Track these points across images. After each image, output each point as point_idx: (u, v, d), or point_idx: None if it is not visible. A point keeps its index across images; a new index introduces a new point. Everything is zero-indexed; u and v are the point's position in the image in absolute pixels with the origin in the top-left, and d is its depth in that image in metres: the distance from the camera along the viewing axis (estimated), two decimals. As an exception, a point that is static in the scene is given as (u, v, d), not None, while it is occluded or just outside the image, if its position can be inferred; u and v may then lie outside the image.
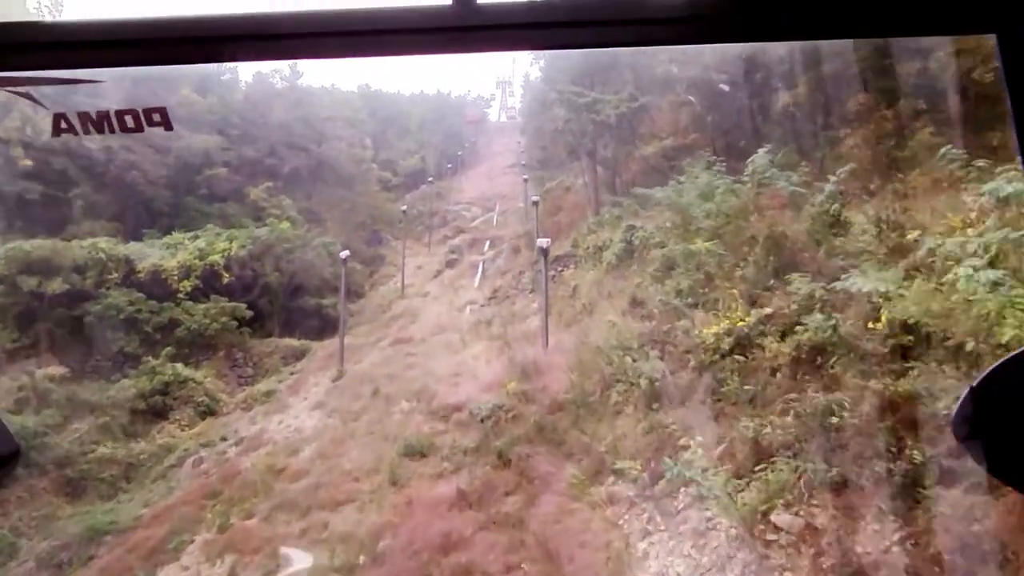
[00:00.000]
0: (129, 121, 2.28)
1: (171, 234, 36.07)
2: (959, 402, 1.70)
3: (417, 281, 42.29)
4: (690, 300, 18.87)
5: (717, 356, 16.38)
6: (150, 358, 29.80)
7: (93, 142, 38.22)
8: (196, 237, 35.95)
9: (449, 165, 62.00)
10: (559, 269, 30.97)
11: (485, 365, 25.00)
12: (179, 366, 30.02)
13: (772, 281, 17.43)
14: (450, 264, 42.84)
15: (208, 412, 29.28)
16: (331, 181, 46.78)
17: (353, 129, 51.66)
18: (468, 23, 2.26)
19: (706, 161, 26.84)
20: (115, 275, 32.05)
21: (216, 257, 33.59)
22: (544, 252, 22.55)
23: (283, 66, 48.11)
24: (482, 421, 19.63)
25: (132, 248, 33.57)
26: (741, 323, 16.47)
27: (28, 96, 2.18)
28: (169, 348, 30.31)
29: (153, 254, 33.72)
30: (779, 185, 19.39)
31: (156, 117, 2.37)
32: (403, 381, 25.68)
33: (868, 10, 2.25)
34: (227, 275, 33.50)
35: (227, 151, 43.38)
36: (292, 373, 31.20)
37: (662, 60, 31.00)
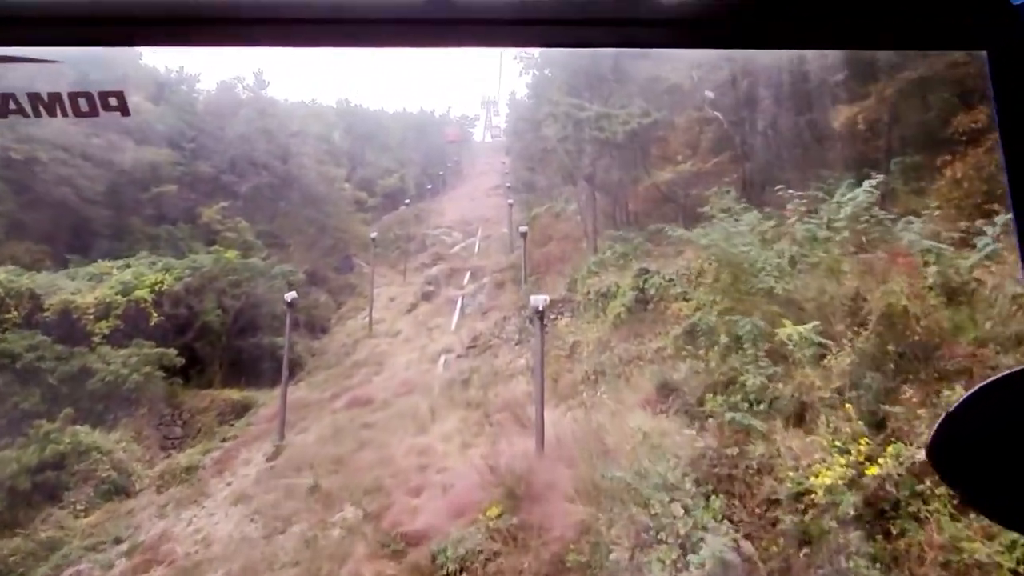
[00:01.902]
0: (83, 104, 2.00)
1: (97, 262, 28.41)
2: (935, 428, 1.47)
3: (389, 316, 34.89)
4: (761, 406, 11.65)
5: (834, 523, 9.15)
6: (44, 422, 22.17)
7: (18, 152, 30.84)
8: (127, 266, 28.38)
9: (429, 186, 54.64)
10: (552, 317, 23.68)
11: (459, 457, 17.69)
12: (82, 431, 22.37)
13: (907, 389, 10.29)
14: (426, 297, 35.50)
15: (114, 491, 21.67)
16: (296, 201, 39.28)
17: (325, 145, 44.27)
18: (442, 16, 1.97)
19: (731, 194, 20.04)
20: (14, 313, 24.42)
21: (143, 292, 26.00)
22: (540, 315, 15.26)
23: (247, 73, 40.71)
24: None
25: (40, 280, 25.91)
26: (872, 468, 9.26)
27: None
28: (68, 410, 22.63)
29: (67, 287, 26.07)
30: (899, 234, 12.25)
31: (113, 101, 2.09)
32: (351, 471, 18.27)
33: (860, 22, 2.07)
34: (156, 314, 25.88)
35: (179, 166, 35.82)
36: (224, 440, 23.65)
37: (678, 67, 23.94)
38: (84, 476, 21.69)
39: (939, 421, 1.53)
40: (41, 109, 2.01)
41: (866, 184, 12.94)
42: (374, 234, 36.78)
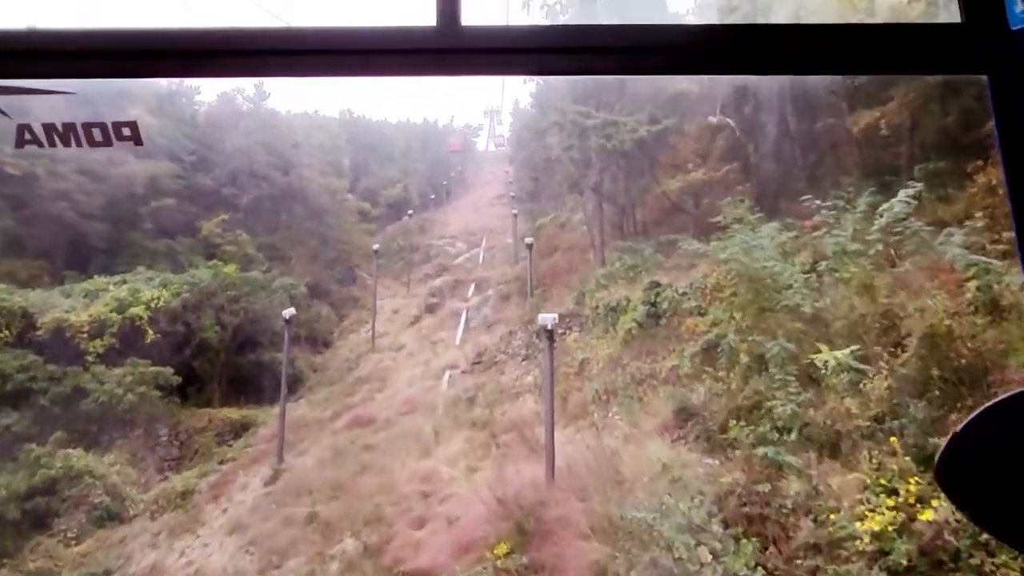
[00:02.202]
0: (97, 135, 2.02)
1: (93, 278, 27.46)
2: (942, 447, 1.44)
3: (392, 329, 33.85)
4: (791, 435, 10.57)
5: (884, 575, 8.06)
6: (34, 446, 21.19)
7: (17, 168, 29.97)
8: (124, 282, 27.42)
9: (433, 196, 53.64)
10: (559, 332, 22.64)
11: (464, 483, 16.62)
12: (75, 454, 21.38)
13: (956, 419, 9.20)
14: (430, 309, 34.48)
15: (107, 517, 20.67)
16: (298, 213, 38.31)
17: (327, 156, 43.31)
18: (451, 46, 2.03)
19: (745, 204, 19.10)
20: (6, 332, 23.52)
21: (138, 309, 25.01)
22: (549, 334, 14.19)
23: (247, 84, 39.84)
24: (454, 623, 11.21)
25: (34, 298, 24.98)
26: (926, 512, 8.18)
27: None
28: (59, 433, 21.64)
29: (61, 305, 25.11)
30: (939, 247, 11.18)
31: (126, 132, 2.11)
32: (351, 498, 17.22)
33: (860, 47, 2.08)
34: (152, 331, 24.89)
35: (178, 179, 34.87)
36: (221, 463, 22.62)
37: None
38: (76, 502, 20.70)
39: (946, 440, 1.43)
40: (56, 139, 1.99)
41: (902, 193, 11.86)
42: (376, 246, 35.69)
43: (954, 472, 1.53)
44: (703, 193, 22.41)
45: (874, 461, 9.17)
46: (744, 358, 13.19)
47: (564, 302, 24.46)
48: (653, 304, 19.26)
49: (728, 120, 21.38)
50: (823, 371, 10.55)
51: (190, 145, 36.58)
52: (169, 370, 24.31)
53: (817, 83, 21.12)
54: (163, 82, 40.33)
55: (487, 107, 67.91)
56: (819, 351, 10.64)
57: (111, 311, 24.79)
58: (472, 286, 35.10)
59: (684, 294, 18.85)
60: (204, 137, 37.75)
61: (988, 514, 1.66)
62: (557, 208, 38.03)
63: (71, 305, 25.13)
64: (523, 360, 23.23)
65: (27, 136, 2.00)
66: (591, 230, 28.55)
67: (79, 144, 2.07)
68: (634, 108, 23.76)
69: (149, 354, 24.61)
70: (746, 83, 21.81)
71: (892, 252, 11.73)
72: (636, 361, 18.05)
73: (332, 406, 25.19)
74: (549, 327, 13.94)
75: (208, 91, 46.25)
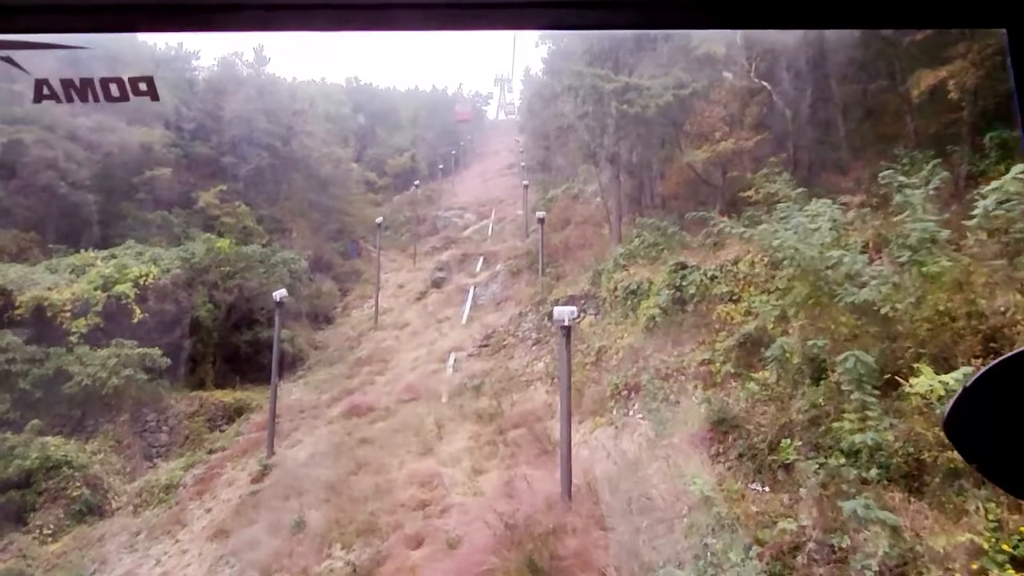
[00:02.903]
0: (114, 89, 1.82)
1: (80, 252, 25.28)
2: (952, 401, 1.38)
3: (397, 305, 31.65)
4: (872, 472, 8.27)
5: None
6: (8, 434, 19.23)
7: (2, 134, 27.70)
8: (112, 257, 25.23)
9: (441, 166, 50.98)
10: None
11: (467, 488, 14.51)
12: (53, 443, 19.41)
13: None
14: (436, 284, 32.21)
15: (87, 511, 18.77)
16: (300, 184, 35.95)
17: (330, 124, 40.76)
18: (464, 0, 1.85)
19: (784, 176, 16.66)
20: (-17, 312, 21.48)
21: (125, 287, 22.84)
22: (567, 331, 11.84)
23: (247, 49, 37.22)
24: None
25: (13, 273, 22.85)
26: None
27: (9, 60, 1.62)
28: (35, 421, 19.65)
29: (44, 281, 22.96)
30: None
31: (143, 86, 1.89)
32: (343, 502, 15.13)
33: (878, 0, 1.90)
34: (139, 310, 22.75)
35: (174, 148, 32.50)
36: (211, 452, 20.58)
37: (718, 31, 20.31)
38: (53, 495, 18.78)
39: (956, 395, 1.33)
40: (73, 94, 1.77)
41: (1016, 170, 9.38)
42: (380, 219, 33.26)
43: (962, 426, 1.38)
44: (731, 164, 19.89)
45: (990, 517, 6.90)
46: (795, 360, 10.85)
47: (578, 282, 22.11)
48: (678, 288, 16.90)
49: (764, 83, 18.76)
50: (911, 393, 8.23)
51: (188, 112, 34.13)
52: (157, 351, 22.20)
53: (860, 41, 18.50)
54: (160, 46, 37.76)
55: (497, 75, 64.91)
56: (910, 367, 8.31)
57: (95, 289, 22.65)
58: (480, 260, 32.74)
59: (714, 278, 16.47)
60: (203, 104, 35.28)
61: (996, 466, 1.57)
62: (570, 179, 35.49)
63: (54, 282, 22.98)
64: (533, 345, 20.99)
65: (45, 91, 1.76)
66: (606, 203, 26.08)
67: (96, 99, 1.84)
68: (657, 71, 21.14)
69: (136, 334, 22.51)
70: (782, 43, 19.19)
71: (999, 241, 9.29)
72: (660, 353, 15.75)
73: (330, 390, 23.09)
74: (566, 323, 11.61)
75: (207, 56, 43.70)
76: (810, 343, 10.12)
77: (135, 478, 20.52)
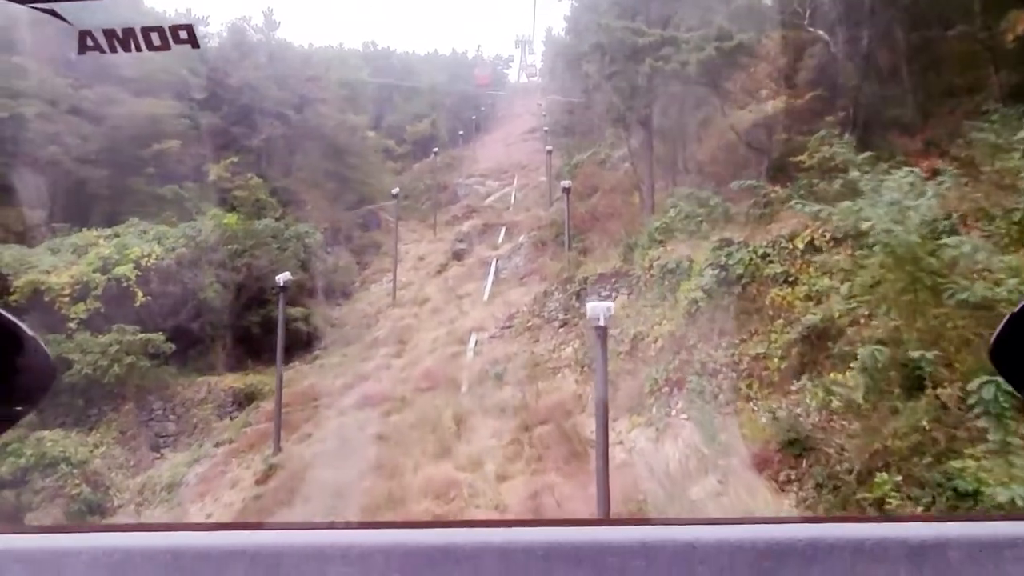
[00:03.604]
0: (155, 39, 1.66)
1: (81, 231, 23.50)
2: (998, 328, 1.13)
3: (417, 279, 29.64)
4: None
5: None
6: None
7: (4, 109, 25.82)
8: (115, 236, 23.41)
9: (462, 132, 48.43)
10: (604, 294, 18.14)
11: (487, 497, 12.61)
12: (50, 438, 17.81)
13: None
14: (457, 256, 30.11)
15: (86, 510, 17.22)
16: (315, 153, 33.76)
17: (346, 91, 38.37)
18: None
19: (846, 140, 14.35)
20: (-27, 297, 19.78)
21: (125, 268, 21.02)
22: (602, 332, 9.61)
23: (256, 13, 34.82)
24: None
25: (9, 256, 21.14)
26: None
27: (53, 13, 1.54)
28: (30, 416, 17.93)
29: (43, 263, 21.23)
30: None
31: (183, 34, 1.72)
32: (351, 511, 13.31)
33: None
34: (142, 293, 20.95)
35: (183, 119, 30.44)
36: (217, 445, 18.88)
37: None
38: (51, 494, 17.23)
39: (1003, 321, 1.13)
40: (116, 44, 1.63)
41: None
42: (396, 190, 31.05)
43: (1009, 352, 1.16)
44: (779, 126, 17.32)
45: None
46: (883, 363, 8.57)
47: (608, 257, 19.83)
48: (724, 267, 14.56)
49: (821, 32, 16.07)
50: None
51: (196, 81, 31.94)
52: (160, 336, 20.47)
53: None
54: (169, 13, 35.56)
55: (518, 37, 61.78)
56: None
57: (95, 271, 20.86)
58: (502, 231, 30.50)
59: (765, 256, 14.11)
60: (212, 72, 33.04)
61: None
62: (595, 143, 32.83)
63: (52, 264, 21.24)
64: (560, 327, 18.82)
65: (89, 42, 1.62)
66: (636, 169, 23.61)
67: (138, 48, 1.64)
68: (694, 24, 18.51)
69: (140, 318, 20.76)
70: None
71: None
72: (705, 343, 13.52)
73: (344, 374, 21.20)
74: (602, 322, 9.40)
75: (215, 23, 41.47)
76: (916, 355, 7.80)
77: (140, 471, 18.95)
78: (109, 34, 1.64)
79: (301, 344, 25.53)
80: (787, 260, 13.77)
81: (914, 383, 8.36)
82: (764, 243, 14.36)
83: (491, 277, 25.97)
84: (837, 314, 11.35)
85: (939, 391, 7.84)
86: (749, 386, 11.94)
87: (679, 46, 16.92)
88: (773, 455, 9.20)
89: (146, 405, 20.53)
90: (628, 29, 17.76)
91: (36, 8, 1.57)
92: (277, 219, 29.20)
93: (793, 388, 11.06)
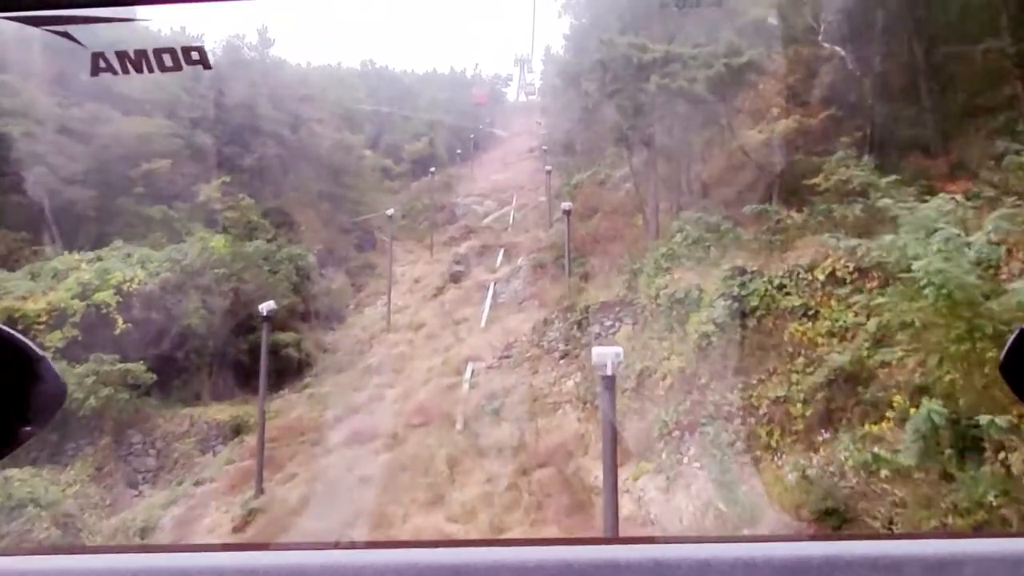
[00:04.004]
0: (167, 60, 1.74)
1: (63, 255, 22.35)
2: (1010, 341, 1.15)
3: (413, 302, 28.47)
4: None
5: None
6: (-37, 472, 16.38)
7: (-12, 129, 24.82)
8: (98, 259, 22.28)
9: (459, 151, 47.42)
10: (607, 324, 16.97)
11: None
12: (18, 477, 16.53)
13: None
14: (454, 279, 28.89)
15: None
16: (309, 173, 32.68)
17: (342, 109, 37.37)
18: None
19: (866, 162, 13.27)
20: (-55, 326, 18.51)
21: (105, 294, 19.85)
22: (609, 382, 8.42)
23: (250, 31, 33.90)
24: None
25: (-15, 281, 19.98)
26: None
27: (66, 35, 1.52)
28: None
29: (18, 289, 20.07)
30: None
31: (195, 55, 1.83)
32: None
33: None
34: (122, 320, 19.75)
35: (173, 138, 29.35)
36: (197, 483, 17.62)
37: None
38: (15, 539, 15.88)
39: (1014, 335, 1.15)
40: (129, 66, 1.70)
41: None
42: (391, 211, 29.94)
43: (1019, 365, 1.16)
44: (794, 146, 16.20)
45: None
46: (941, 429, 7.35)
47: (611, 284, 18.67)
48: (737, 299, 13.40)
49: (837, 48, 15.00)
50: None
51: (188, 99, 30.92)
52: (141, 366, 19.22)
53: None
54: (165, 31, 34.60)
55: (517, 56, 60.96)
56: None
57: (73, 297, 19.67)
58: (501, 252, 29.31)
59: (782, 287, 12.95)
60: (205, 91, 32.01)
61: None
62: (596, 163, 31.72)
63: (29, 290, 20.08)
64: (561, 358, 17.60)
65: (101, 64, 1.67)
66: (639, 190, 22.51)
67: (150, 70, 1.71)
68: (701, 40, 17.47)
69: (120, 347, 19.52)
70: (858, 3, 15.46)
71: None
72: (719, 381, 12.33)
73: (335, 405, 19.97)
74: (609, 370, 8.20)
75: (210, 40, 40.49)
76: (985, 420, 6.58)
77: (116, 511, 17.64)
78: (121, 56, 1.67)
79: (292, 371, 24.34)
80: (806, 292, 12.61)
81: (970, 444, 7.14)
82: (780, 272, 13.22)
83: (488, 301, 24.78)
84: (864, 351, 10.17)
85: (1004, 457, 6.61)
86: (770, 434, 10.73)
87: (686, 63, 15.86)
88: (806, 525, 7.96)
89: (125, 439, 19.27)
90: (632, 45, 16.71)
91: (50, 31, 1.51)
92: (269, 240, 28.09)
93: (820, 439, 9.84)
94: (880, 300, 10.77)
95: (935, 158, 14.66)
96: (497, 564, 1.19)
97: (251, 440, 18.86)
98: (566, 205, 21.47)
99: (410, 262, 33.64)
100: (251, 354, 22.88)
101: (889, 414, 9.26)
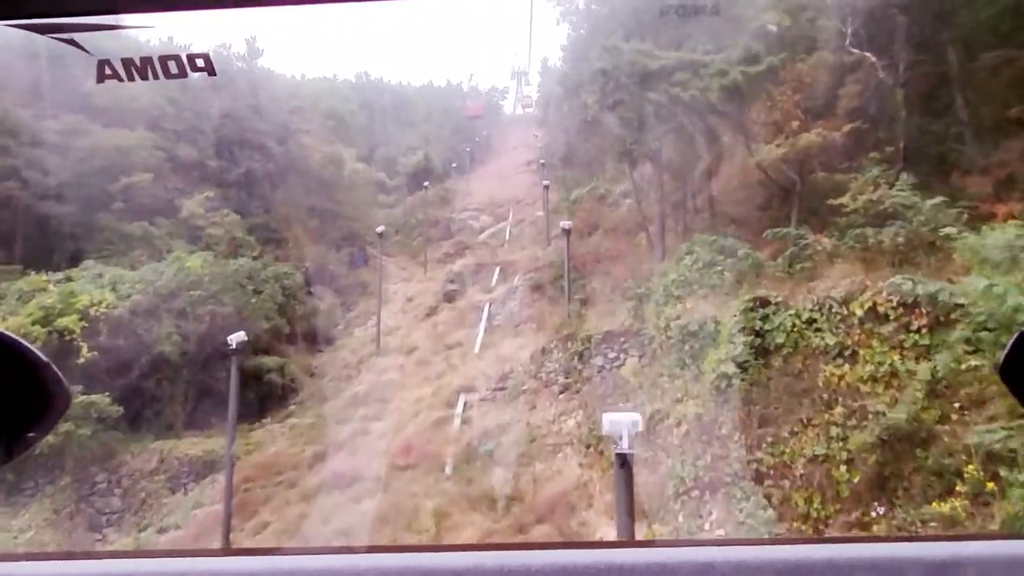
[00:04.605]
0: (173, 67, 1.64)
1: (29, 275, 20.60)
2: (1008, 346, 1.14)
3: (405, 322, 26.75)
4: None
5: None
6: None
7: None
8: (68, 279, 20.56)
9: (455, 164, 45.79)
10: (609, 356, 15.23)
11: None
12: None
13: None
14: (448, 298, 27.16)
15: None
16: (299, 188, 30.94)
17: (333, 121, 35.71)
18: None
19: (903, 180, 11.64)
20: None
21: (69, 320, 18.11)
22: (623, 462, 6.67)
23: (237, 40, 32.27)
24: None
25: (-63, 307, 18.20)
26: None
27: (73, 43, 1.45)
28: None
29: (-24, 314, 18.30)
30: None
31: (200, 62, 1.74)
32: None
33: None
34: (87, 347, 17.97)
35: (156, 151, 27.68)
36: (161, 531, 15.80)
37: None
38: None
39: (1013, 339, 1.13)
40: (134, 73, 1.61)
41: None
42: (380, 228, 28.18)
43: (1019, 369, 1.15)
44: (816, 161, 14.53)
45: None
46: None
47: (613, 308, 16.95)
48: (759, 334, 11.68)
49: (867, 54, 13.33)
50: None
51: (172, 111, 29.25)
52: (106, 399, 17.47)
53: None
54: (153, 42, 32.94)
55: (514, 68, 59.48)
56: None
57: (34, 323, 17.91)
58: (497, 271, 27.56)
59: (812, 321, 11.22)
60: (190, 102, 30.35)
61: None
62: (595, 177, 30.01)
63: (-11, 314, 18.31)
64: (561, 392, 15.84)
65: (107, 71, 1.58)
66: (641, 206, 20.86)
67: (156, 77, 1.62)
68: (710, 47, 15.82)
69: (85, 375, 17.73)
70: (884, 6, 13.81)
71: None
72: (743, 432, 10.59)
73: (317, 440, 18.23)
74: (625, 445, 6.45)
75: (197, 49, 38.82)
76: None
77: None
78: (127, 63, 1.59)
79: (275, 398, 22.63)
80: (841, 328, 10.86)
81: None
82: (808, 305, 11.47)
83: (483, 324, 23.04)
84: (920, 406, 8.47)
85: None
86: (808, 501, 9.00)
87: (697, 71, 14.17)
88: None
89: (88, 478, 17.48)
90: (639, 52, 15.05)
91: (56, 39, 1.46)
92: (255, 258, 26.38)
93: (875, 514, 8.10)
94: (928, 340, 9.11)
95: (976, 175, 12.99)
96: (500, 568, 1.16)
97: (223, 479, 17.08)
98: (565, 223, 19.76)
99: (403, 279, 31.95)
100: (229, 381, 21.15)
101: (960, 486, 7.53)
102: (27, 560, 1.35)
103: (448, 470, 14.52)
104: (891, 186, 12.53)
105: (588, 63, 22.31)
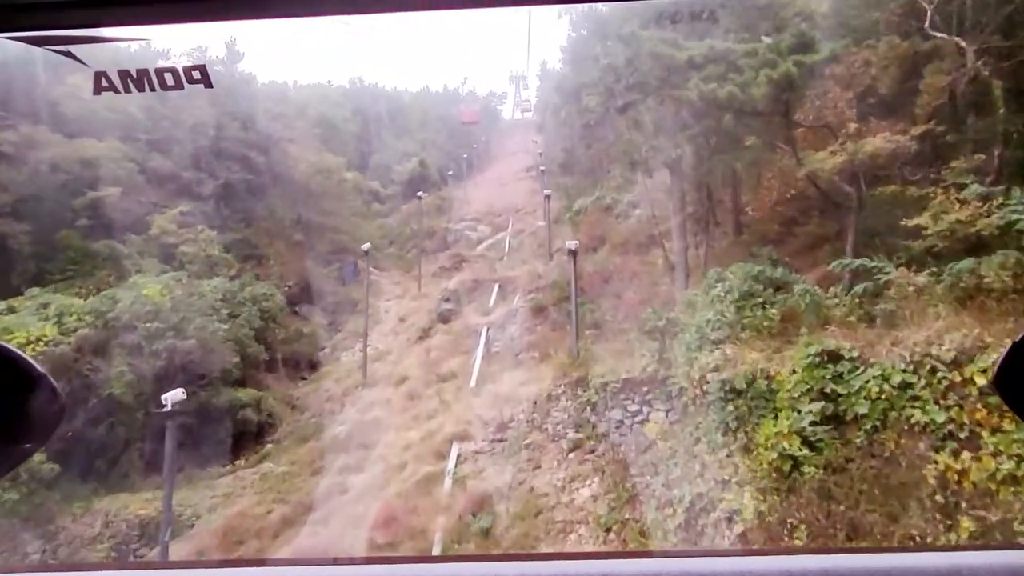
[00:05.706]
0: (169, 79, 1.60)
1: (-35, 306, 17.56)
2: (1002, 356, 1.14)
3: (395, 346, 23.79)
4: None
5: None
6: None
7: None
8: (11, 311, 17.52)
9: (451, 172, 42.68)
10: (630, 409, 12.15)
11: None
12: None
13: None
14: (443, 318, 24.14)
15: None
16: (282, 199, 27.86)
17: (321, 128, 32.61)
18: None
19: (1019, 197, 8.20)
20: None
21: (0, 362, 14.92)
22: None
23: (217, 43, 29.18)
24: None
25: None
26: None
27: (70, 55, 1.45)
28: None
29: None
30: None
31: (196, 75, 1.65)
32: None
33: None
34: (20, 394, 14.84)
35: (126, 162, 24.61)
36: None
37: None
38: None
39: (1006, 351, 1.13)
40: (131, 85, 1.56)
41: None
42: (366, 245, 25.05)
43: (1012, 380, 1.14)
44: (880, 172, 11.45)
45: None
46: None
47: (629, 345, 13.83)
48: (832, 399, 8.61)
49: (957, 39, 10.25)
50: None
51: (145, 121, 26.15)
52: (38, 456, 14.35)
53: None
54: (133, 47, 29.88)
55: (512, 72, 56.41)
56: None
57: (-44, 366, 14.79)
58: (495, 289, 24.48)
59: (907, 387, 8.14)
60: (166, 110, 27.26)
61: None
62: (598, 185, 26.86)
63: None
64: (571, 451, 12.74)
65: (104, 83, 1.54)
66: (656, 220, 17.81)
67: (152, 89, 1.58)
68: (746, 35, 12.73)
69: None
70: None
71: None
72: (824, 541, 7.50)
73: (285, 496, 15.21)
74: None
75: (176, 54, 35.86)
76: None
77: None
78: (123, 75, 1.56)
79: (250, 435, 19.67)
80: (951, 399, 7.77)
81: None
82: (899, 363, 8.37)
83: (480, 351, 19.99)
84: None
85: None
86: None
87: (735, 62, 11.08)
88: None
89: (18, 547, 14.41)
90: (662, 41, 11.94)
91: (53, 51, 1.44)
92: (232, 278, 23.36)
93: None
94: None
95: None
96: None
97: (179, 547, 14.04)
98: (571, 243, 16.65)
99: (396, 296, 28.95)
100: (198, 416, 18.05)
101: None
102: (29, 572, 1.35)
103: (436, 550, 11.45)
104: (984, 202, 9.46)
105: (591, 63, 19.35)
